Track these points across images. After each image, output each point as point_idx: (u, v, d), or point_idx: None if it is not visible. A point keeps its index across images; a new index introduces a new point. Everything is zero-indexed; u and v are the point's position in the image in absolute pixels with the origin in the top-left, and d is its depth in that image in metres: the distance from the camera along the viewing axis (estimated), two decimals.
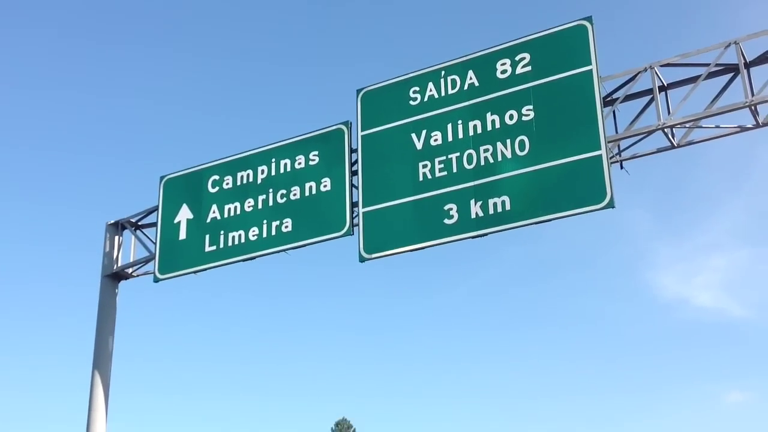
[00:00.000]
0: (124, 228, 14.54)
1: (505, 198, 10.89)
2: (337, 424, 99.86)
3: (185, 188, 13.75)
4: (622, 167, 11.29)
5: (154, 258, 13.59)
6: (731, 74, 10.69)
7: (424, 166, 11.59)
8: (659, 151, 11.26)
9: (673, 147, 11.06)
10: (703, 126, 10.95)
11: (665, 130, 10.84)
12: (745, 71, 10.38)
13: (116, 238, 14.44)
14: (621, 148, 11.36)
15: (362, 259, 11.69)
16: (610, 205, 10.25)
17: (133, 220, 14.50)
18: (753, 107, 10.30)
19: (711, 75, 10.81)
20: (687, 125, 10.89)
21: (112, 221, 14.54)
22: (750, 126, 10.65)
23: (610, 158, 10.66)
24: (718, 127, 10.91)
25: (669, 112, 10.91)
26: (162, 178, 13.98)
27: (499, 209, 10.88)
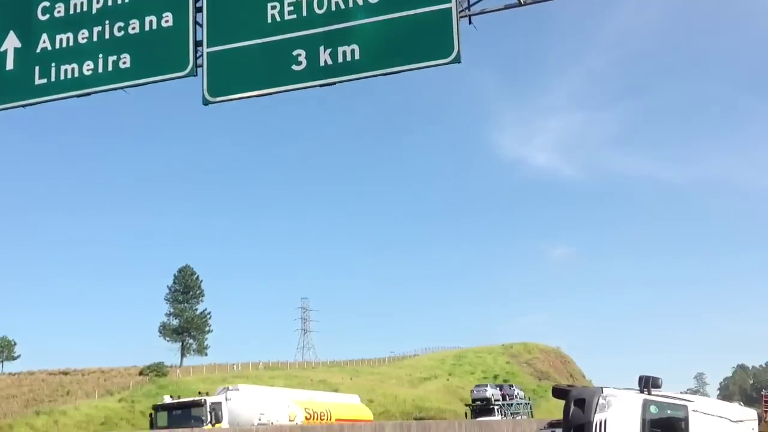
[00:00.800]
0: None
1: (355, 47, 10.81)
2: (180, 270, 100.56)
3: (11, 13, 12.61)
4: (470, 22, 11.37)
5: None
6: None
7: (273, 8, 11.21)
8: (507, 8, 11.42)
9: (520, 5, 11.25)
10: None
11: None
12: None
13: None
14: (470, 3, 11.40)
15: (206, 102, 11.39)
16: (457, 59, 10.44)
17: None
18: None
19: None
20: None
21: None
22: None
23: (459, 12, 10.73)
24: None
25: None
26: None
27: (348, 58, 10.82)
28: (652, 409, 14.83)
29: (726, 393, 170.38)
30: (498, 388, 66.60)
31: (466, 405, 63.70)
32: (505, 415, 59.28)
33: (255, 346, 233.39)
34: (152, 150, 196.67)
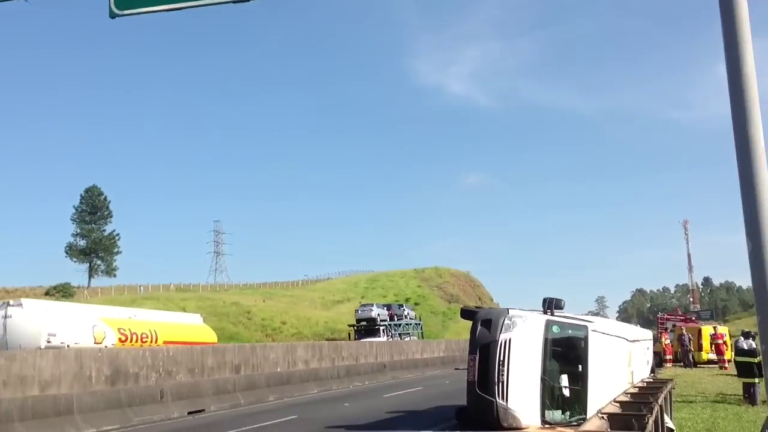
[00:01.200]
0: None
1: None
2: (87, 191, 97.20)
3: None
4: None
5: None
6: None
7: None
8: None
9: None
10: None
11: None
12: None
13: None
14: None
15: (113, 15, 10.65)
16: None
17: None
18: None
19: None
20: None
21: None
22: None
23: None
24: None
25: None
26: None
27: None
28: (554, 329, 15.31)
29: (624, 315, 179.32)
30: (385, 308, 64.21)
31: (350, 326, 61.47)
32: (391, 336, 57.53)
33: (166, 269, 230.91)
34: (58, 61, 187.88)
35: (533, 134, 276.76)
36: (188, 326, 33.19)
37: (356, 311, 62.45)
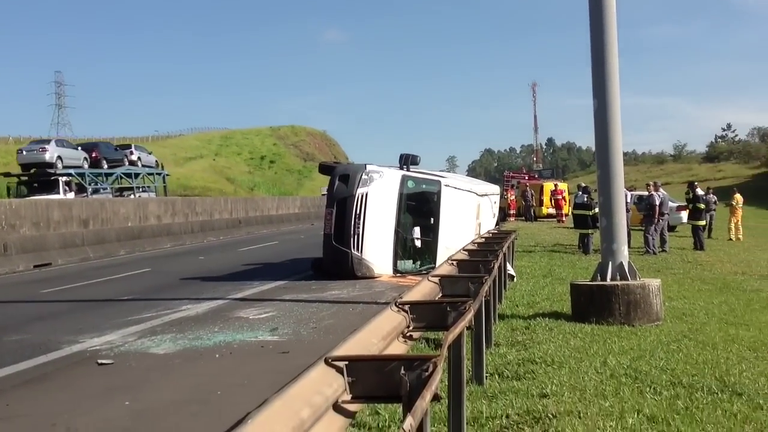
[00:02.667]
0: None
1: None
2: None
3: None
4: None
5: None
6: None
7: None
8: None
9: None
10: None
11: None
12: None
13: None
14: None
15: None
16: None
17: None
18: None
19: None
20: None
21: None
22: None
23: None
24: None
25: None
26: None
27: None
28: (410, 183, 15.74)
29: (473, 174, 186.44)
30: (78, 149, 37.35)
31: (5, 175, 36.12)
32: (88, 192, 34.81)
33: (3, 119, 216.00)
34: None
35: None
36: None
37: (18, 153, 35.72)
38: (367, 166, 15.47)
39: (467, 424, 5.43)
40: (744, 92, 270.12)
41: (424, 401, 3.22)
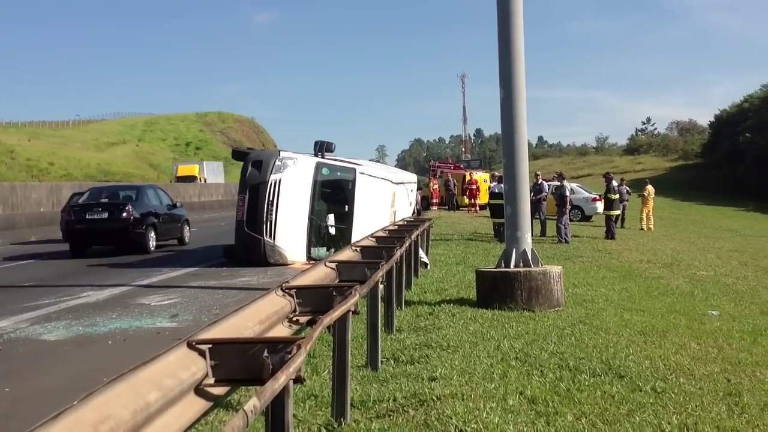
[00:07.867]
0: None
1: None
2: None
3: None
4: None
5: None
6: None
7: None
8: None
9: None
10: None
11: None
12: None
13: None
14: None
15: None
16: None
17: None
18: None
19: None
20: None
21: None
22: None
23: None
24: None
25: None
26: None
27: None
28: (324, 171, 15.67)
29: (403, 164, 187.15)
30: None
31: None
32: None
33: None
34: None
35: None
36: None
37: None
38: (281, 152, 15.34)
39: (354, 407, 5.45)
40: (665, 87, 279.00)
41: (276, 382, 3.19)
